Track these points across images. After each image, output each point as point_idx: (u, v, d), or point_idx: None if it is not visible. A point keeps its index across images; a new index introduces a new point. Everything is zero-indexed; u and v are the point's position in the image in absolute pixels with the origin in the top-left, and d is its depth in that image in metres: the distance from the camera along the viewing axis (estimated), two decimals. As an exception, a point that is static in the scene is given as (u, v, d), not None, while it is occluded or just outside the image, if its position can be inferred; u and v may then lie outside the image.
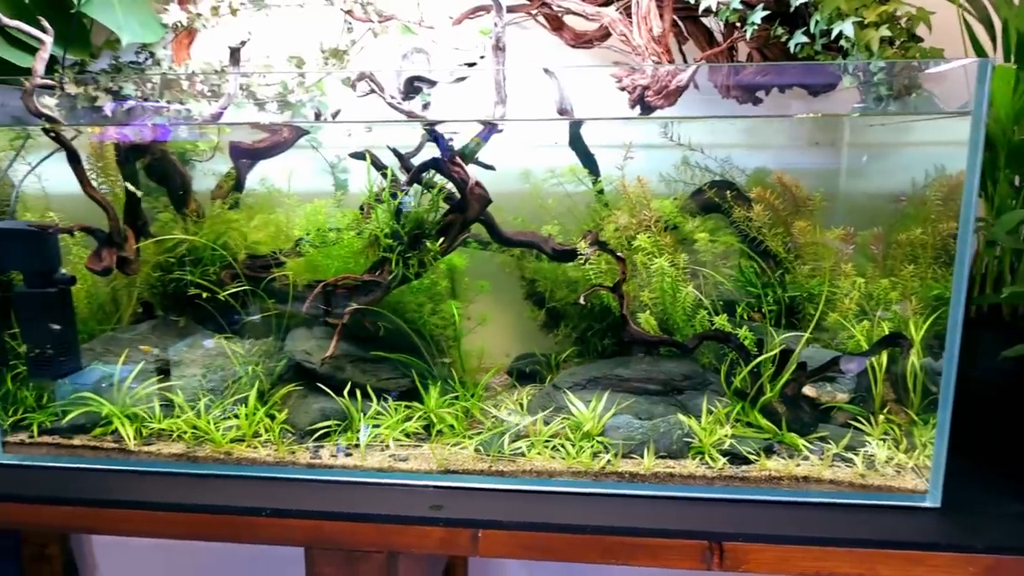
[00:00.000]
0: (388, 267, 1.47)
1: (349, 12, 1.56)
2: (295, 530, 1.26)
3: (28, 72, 1.29)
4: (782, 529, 1.19)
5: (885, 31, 1.28)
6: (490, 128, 1.40)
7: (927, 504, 1.26)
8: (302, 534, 1.26)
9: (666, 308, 1.52)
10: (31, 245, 1.44)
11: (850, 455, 1.33)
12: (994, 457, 1.42)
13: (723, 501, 1.28)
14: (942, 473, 1.24)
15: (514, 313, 1.77)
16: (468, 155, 1.42)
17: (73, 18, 1.49)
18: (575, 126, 1.55)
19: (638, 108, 1.41)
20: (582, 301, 1.46)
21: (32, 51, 1.32)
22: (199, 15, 1.52)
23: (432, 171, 1.44)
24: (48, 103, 1.33)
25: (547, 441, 1.39)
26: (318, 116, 1.45)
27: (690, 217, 1.57)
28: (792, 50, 1.38)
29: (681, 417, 1.39)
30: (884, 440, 1.36)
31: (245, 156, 1.66)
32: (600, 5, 1.51)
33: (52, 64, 1.46)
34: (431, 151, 1.43)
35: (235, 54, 1.39)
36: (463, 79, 1.37)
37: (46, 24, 1.28)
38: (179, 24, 1.52)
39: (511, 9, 1.55)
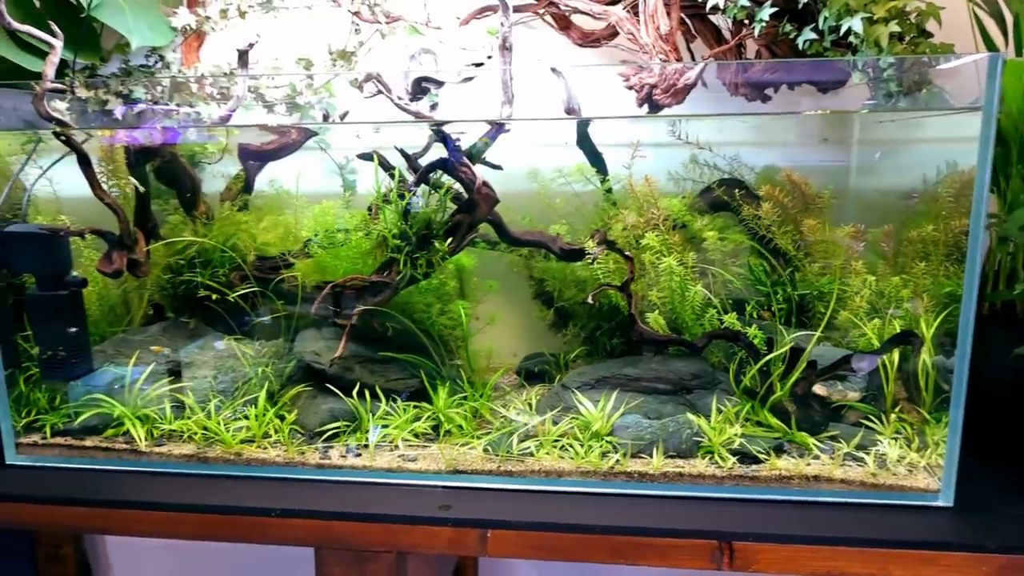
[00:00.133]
0: (396, 268, 1.48)
1: (356, 13, 1.56)
2: (304, 530, 1.27)
3: (39, 76, 1.30)
4: (792, 529, 1.18)
5: (895, 27, 1.27)
6: (497, 128, 1.40)
7: (939, 503, 1.25)
8: (311, 534, 1.27)
9: (675, 307, 1.51)
10: (43, 248, 1.45)
11: (861, 454, 1.32)
12: (1007, 456, 1.40)
13: (733, 501, 1.28)
14: (954, 472, 1.23)
15: (522, 313, 1.77)
16: (475, 155, 1.42)
17: (83, 22, 1.50)
18: (583, 125, 1.55)
19: (646, 107, 1.40)
20: (590, 300, 1.45)
21: (43, 55, 1.33)
22: (208, 18, 1.53)
23: (440, 171, 1.44)
24: (59, 107, 1.34)
25: (556, 441, 1.39)
26: (326, 118, 1.46)
27: (699, 216, 1.56)
28: (801, 47, 1.37)
29: (690, 416, 1.38)
30: (896, 439, 1.35)
31: (254, 158, 1.67)
32: (607, 4, 1.51)
33: (63, 68, 1.47)
34: (438, 151, 1.44)
35: (244, 56, 1.40)
36: (470, 79, 1.37)
37: (56, 28, 1.29)
38: (188, 27, 1.53)
39: (518, 9, 1.55)
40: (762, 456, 1.32)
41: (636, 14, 1.47)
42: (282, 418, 1.47)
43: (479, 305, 1.64)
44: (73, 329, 1.47)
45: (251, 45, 1.40)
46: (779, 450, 1.34)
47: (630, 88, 1.42)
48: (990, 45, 1.51)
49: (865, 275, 1.42)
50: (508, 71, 1.34)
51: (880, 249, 1.45)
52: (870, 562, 1.15)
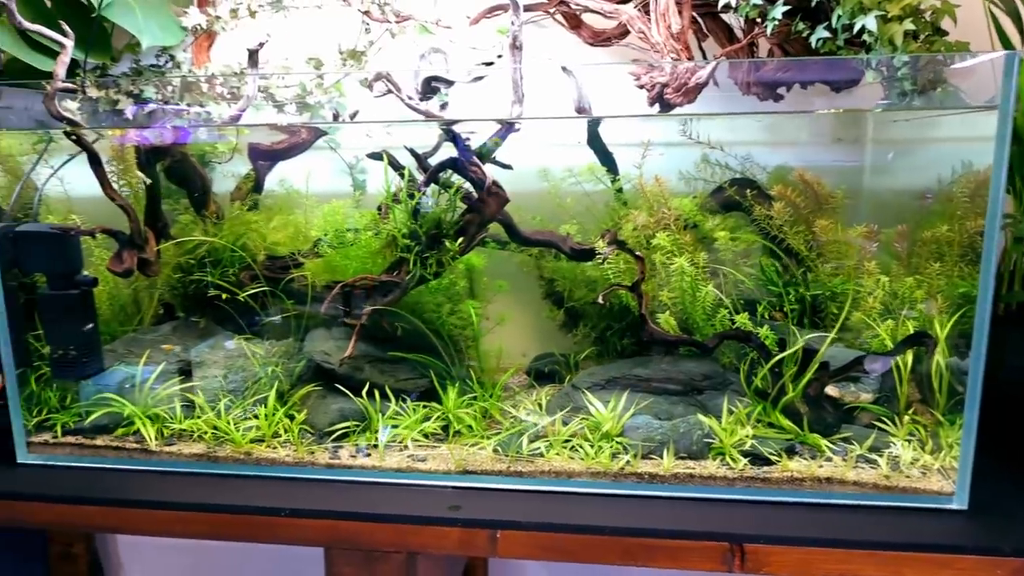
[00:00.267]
0: (406, 267, 1.47)
1: (367, 13, 1.56)
2: (314, 530, 1.27)
3: (50, 76, 1.31)
4: (804, 531, 1.17)
5: (909, 25, 1.26)
6: (508, 127, 1.39)
7: (953, 506, 1.23)
8: (321, 534, 1.27)
9: (686, 307, 1.50)
10: (54, 247, 1.45)
11: (874, 456, 1.31)
12: (1023, 458, 1.39)
13: (744, 502, 1.27)
14: (969, 474, 1.22)
15: (532, 313, 1.76)
16: (486, 155, 1.41)
17: (94, 22, 1.50)
18: (593, 124, 1.54)
19: (657, 106, 1.39)
20: (601, 301, 1.45)
21: (53, 55, 1.33)
22: (218, 18, 1.53)
23: (450, 171, 1.44)
24: (70, 106, 1.34)
25: (566, 441, 1.38)
26: (336, 117, 1.46)
27: (710, 215, 1.55)
28: (814, 45, 1.36)
29: (701, 417, 1.38)
30: (909, 441, 1.34)
31: (264, 157, 1.67)
32: (618, 2, 1.50)
33: (73, 68, 1.47)
34: (448, 151, 1.43)
35: (254, 56, 1.40)
36: (480, 78, 1.37)
37: (67, 28, 1.29)
38: (199, 27, 1.53)
39: (528, 8, 1.54)
40: (774, 458, 1.31)
41: (647, 13, 1.46)
42: (292, 418, 1.47)
43: (489, 305, 1.64)
44: (84, 328, 1.48)
45: (261, 45, 1.40)
46: (791, 452, 1.34)
47: (641, 87, 1.41)
48: (1006, 43, 1.49)
49: (878, 276, 1.41)
50: (518, 70, 1.34)
51: (894, 249, 1.44)
52: (883, 565, 1.14)
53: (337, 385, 1.48)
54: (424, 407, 1.49)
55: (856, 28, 1.28)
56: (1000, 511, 1.23)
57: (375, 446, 1.42)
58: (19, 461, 1.47)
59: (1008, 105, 1.10)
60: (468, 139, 1.40)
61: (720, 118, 1.54)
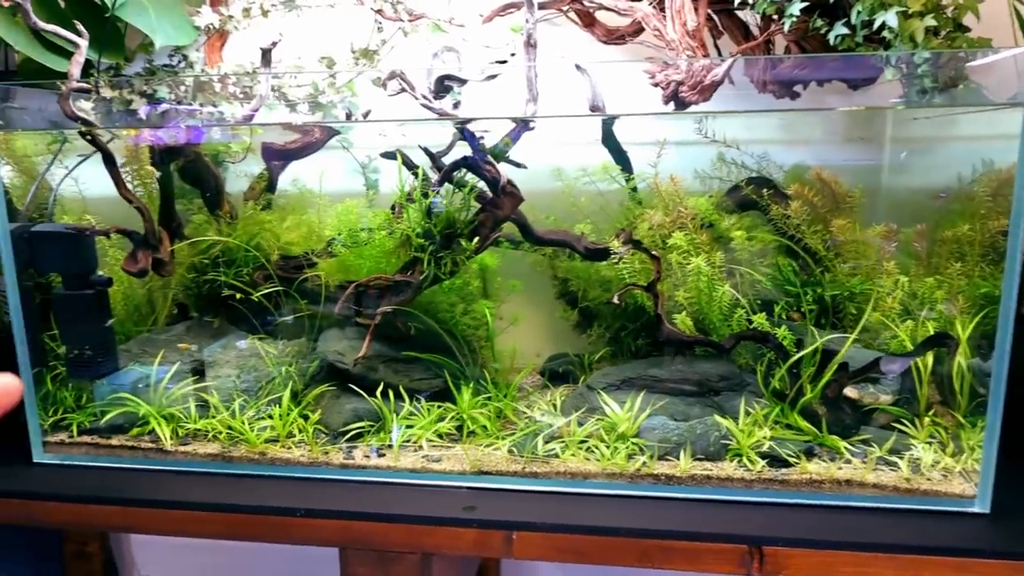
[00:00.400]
0: (420, 267, 1.47)
1: (379, 11, 1.55)
2: (328, 530, 1.26)
3: (64, 76, 1.31)
4: (824, 534, 1.16)
5: (930, 21, 1.24)
6: (522, 126, 1.39)
7: (975, 509, 1.22)
8: (335, 534, 1.27)
9: (702, 308, 1.49)
10: (69, 247, 1.45)
11: (894, 458, 1.29)
12: (1045, 461, 1.37)
13: (762, 504, 1.26)
14: (991, 477, 1.20)
15: (546, 313, 1.75)
16: (499, 153, 1.40)
17: (107, 22, 1.50)
18: (607, 123, 1.53)
19: (672, 104, 1.38)
20: (616, 300, 1.43)
21: (68, 55, 1.33)
22: (231, 17, 1.53)
23: (463, 170, 1.43)
24: (84, 107, 1.34)
25: (581, 442, 1.37)
26: (349, 116, 1.45)
27: (726, 215, 1.54)
28: (832, 42, 1.34)
29: (718, 418, 1.36)
30: (930, 443, 1.32)
31: (277, 157, 1.66)
32: (632, 0, 1.49)
33: (87, 68, 1.48)
34: (462, 150, 1.42)
35: (266, 55, 1.40)
36: (494, 77, 1.36)
37: (81, 28, 1.29)
38: (211, 26, 1.53)
39: (542, 6, 1.53)
40: (792, 459, 1.30)
41: (662, 10, 1.45)
42: (306, 418, 1.47)
43: (503, 305, 1.63)
44: (99, 328, 1.48)
45: (274, 44, 1.40)
46: (809, 453, 1.32)
47: (656, 85, 1.40)
48: (1028, 39, 1.47)
49: (897, 276, 1.39)
50: (532, 68, 1.33)
51: (913, 249, 1.42)
52: (903, 568, 1.13)
53: (351, 385, 1.48)
54: (439, 407, 1.49)
55: (876, 24, 1.26)
56: (1022, 515, 1.21)
57: (389, 446, 1.42)
58: (35, 460, 1.47)
59: (1032, 102, 1.08)
60: (482, 138, 1.39)
61: (736, 116, 1.52)
